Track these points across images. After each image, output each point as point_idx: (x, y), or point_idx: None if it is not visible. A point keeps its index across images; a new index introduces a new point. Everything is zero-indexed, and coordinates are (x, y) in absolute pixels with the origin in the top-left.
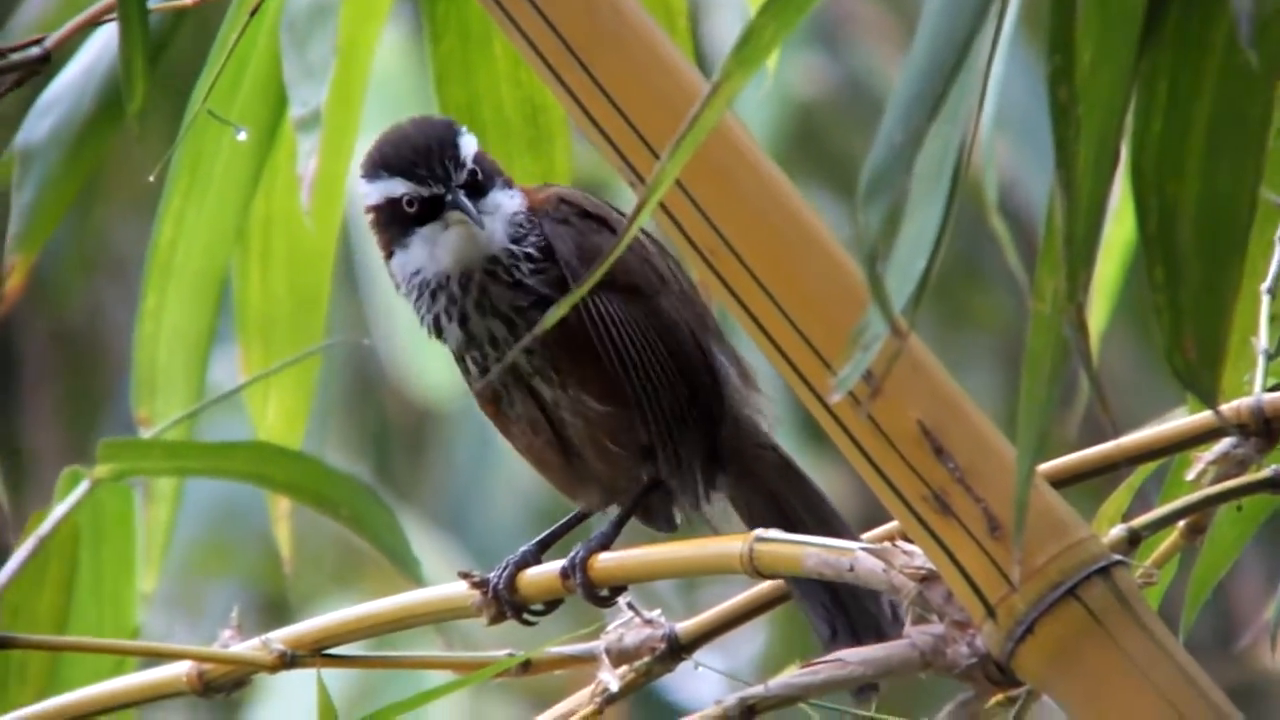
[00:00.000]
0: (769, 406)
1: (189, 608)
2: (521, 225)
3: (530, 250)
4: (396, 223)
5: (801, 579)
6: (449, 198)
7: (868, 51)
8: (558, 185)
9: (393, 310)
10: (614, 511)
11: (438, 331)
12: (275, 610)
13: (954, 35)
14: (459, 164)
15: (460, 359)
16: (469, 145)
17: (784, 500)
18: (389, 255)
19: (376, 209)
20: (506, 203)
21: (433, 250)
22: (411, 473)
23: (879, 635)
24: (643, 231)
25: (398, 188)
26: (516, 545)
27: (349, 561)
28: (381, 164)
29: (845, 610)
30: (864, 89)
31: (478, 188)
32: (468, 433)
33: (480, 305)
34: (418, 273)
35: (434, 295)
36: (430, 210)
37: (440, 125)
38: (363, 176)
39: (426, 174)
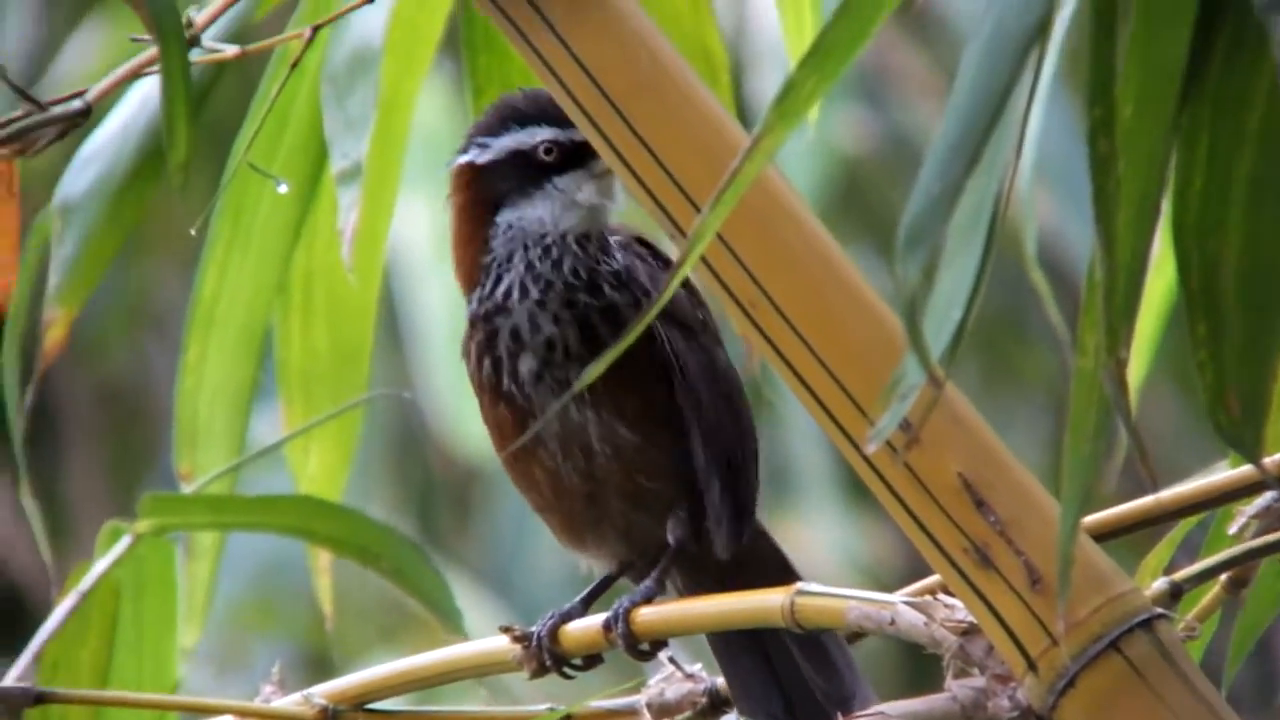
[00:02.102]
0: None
1: (231, 663)
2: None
3: (612, 263)
4: (518, 176)
5: (742, 661)
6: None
7: (911, 105)
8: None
9: (437, 367)
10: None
11: (498, 309)
12: (318, 666)
13: (992, 86)
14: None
15: (494, 361)
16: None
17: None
18: (493, 212)
19: (491, 165)
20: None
21: (567, 201)
22: (455, 529)
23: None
24: (687, 283)
25: (537, 134)
26: (558, 602)
27: (393, 618)
28: (513, 116)
29: (795, 688)
30: (906, 142)
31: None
32: (512, 490)
33: (569, 284)
34: (535, 227)
35: (542, 255)
36: (573, 159)
37: None
38: (479, 135)
39: (569, 122)
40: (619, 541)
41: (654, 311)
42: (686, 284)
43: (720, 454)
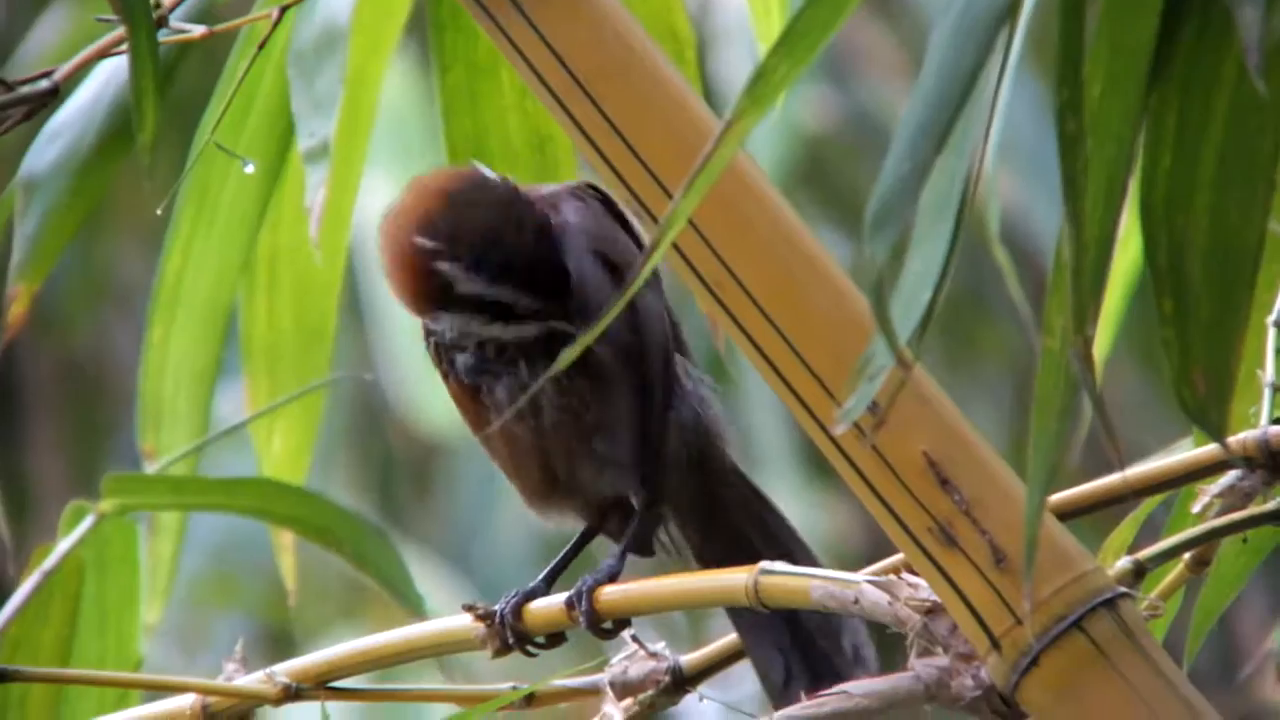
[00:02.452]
0: (731, 431)
1: (193, 641)
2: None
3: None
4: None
5: (757, 620)
6: None
7: (875, 84)
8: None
9: (398, 344)
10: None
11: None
12: (280, 643)
13: (961, 67)
14: None
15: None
16: None
17: (744, 532)
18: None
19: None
20: None
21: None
22: (417, 507)
23: (837, 678)
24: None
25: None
26: (522, 580)
27: (354, 595)
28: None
29: (804, 653)
30: (871, 121)
31: None
32: (473, 467)
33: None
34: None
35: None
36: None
37: None
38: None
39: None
40: (584, 507)
41: (631, 291)
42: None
43: (660, 418)
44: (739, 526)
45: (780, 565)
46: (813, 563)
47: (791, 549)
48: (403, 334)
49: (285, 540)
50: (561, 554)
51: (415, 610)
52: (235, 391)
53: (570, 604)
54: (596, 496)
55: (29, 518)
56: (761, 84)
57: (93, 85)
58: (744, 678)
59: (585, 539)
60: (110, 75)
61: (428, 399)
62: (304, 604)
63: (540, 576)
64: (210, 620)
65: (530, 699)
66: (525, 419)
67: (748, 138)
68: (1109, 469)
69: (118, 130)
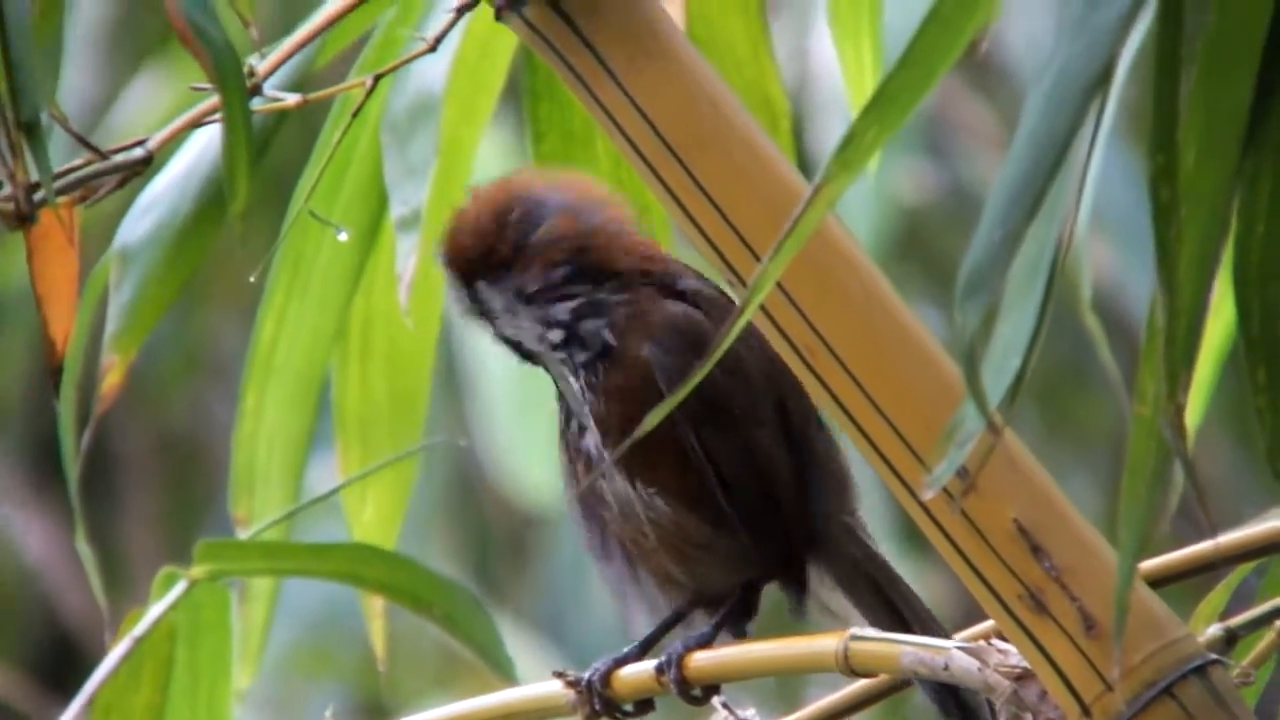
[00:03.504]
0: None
1: (286, 709)
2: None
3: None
4: None
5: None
6: None
7: (972, 156)
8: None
9: (494, 413)
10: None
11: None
12: (372, 712)
13: (1054, 134)
14: None
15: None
16: None
17: (879, 606)
18: None
19: None
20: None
21: None
22: (511, 577)
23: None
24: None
25: None
26: (614, 651)
27: (447, 664)
28: None
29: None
30: (967, 194)
31: None
32: (568, 537)
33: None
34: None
35: None
36: None
37: None
38: None
39: None
40: (681, 594)
41: (704, 373)
42: (725, 364)
43: (753, 535)
44: (874, 602)
45: (870, 631)
46: (940, 628)
47: (922, 615)
48: (498, 404)
49: (376, 607)
50: (661, 623)
51: (506, 675)
52: (328, 460)
53: (660, 669)
54: (693, 586)
55: (123, 588)
56: (852, 147)
57: (188, 154)
58: None
59: (684, 612)
60: (205, 144)
61: (524, 468)
62: (397, 673)
63: (635, 643)
64: (303, 689)
65: None
66: (628, 523)
67: (839, 202)
68: (1201, 536)
69: (213, 200)
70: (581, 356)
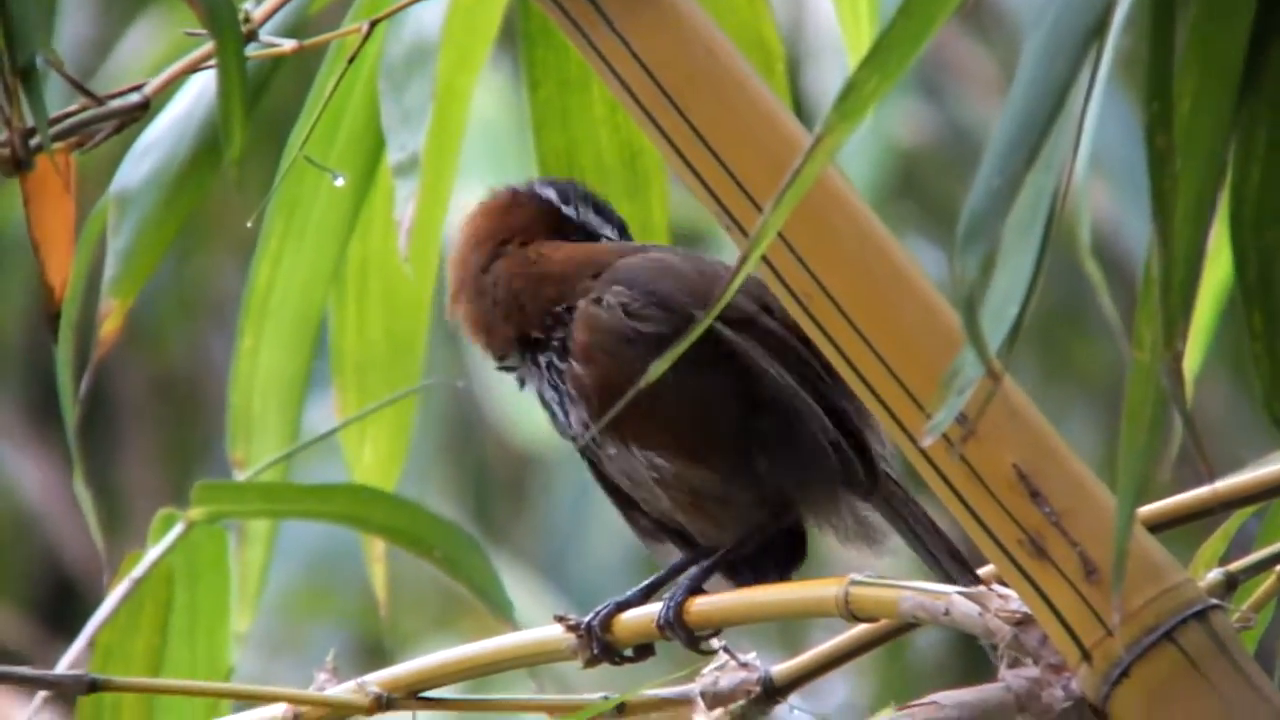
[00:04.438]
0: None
1: (285, 650)
2: None
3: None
4: None
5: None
6: None
7: (967, 99)
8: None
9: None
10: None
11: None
12: (372, 653)
13: (1051, 82)
14: None
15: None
16: None
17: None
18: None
19: None
20: None
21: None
22: (511, 517)
23: None
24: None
25: None
26: (615, 593)
27: (446, 606)
28: None
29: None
30: (962, 136)
31: None
32: (567, 478)
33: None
34: None
35: None
36: None
37: None
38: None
39: None
40: (700, 537)
41: (715, 312)
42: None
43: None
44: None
45: (871, 576)
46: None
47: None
48: None
49: (377, 549)
50: (668, 568)
51: (506, 618)
52: (325, 404)
53: (661, 625)
54: (706, 536)
55: (122, 530)
56: (852, 97)
57: (184, 100)
58: (835, 688)
59: (692, 560)
60: (201, 89)
61: (522, 410)
62: (396, 614)
63: (638, 587)
64: (302, 630)
65: (622, 708)
66: (634, 484)
67: (839, 151)
68: (1200, 482)
69: (209, 144)
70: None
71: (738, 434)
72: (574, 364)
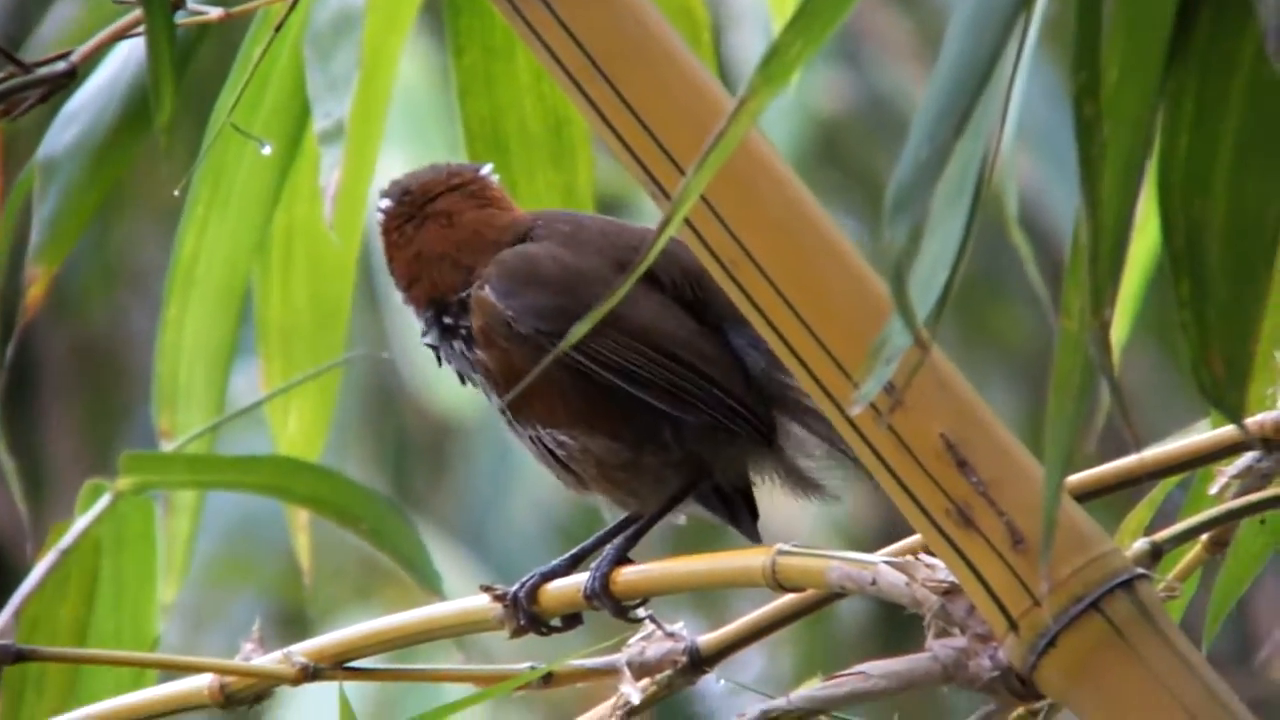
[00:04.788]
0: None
1: (210, 620)
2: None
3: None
4: None
5: None
6: None
7: (889, 67)
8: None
9: (412, 324)
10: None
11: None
12: (296, 623)
13: (979, 52)
14: None
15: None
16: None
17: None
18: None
19: None
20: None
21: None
22: (431, 487)
23: None
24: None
25: None
26: (536, 561)
27: (369, 575)
28: None
29: None
30: (884, 105)
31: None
32: (488, 447)
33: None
34: None
35: None
36: None
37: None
38: None
39: None
40: (623, 507)
41: (641, 268)
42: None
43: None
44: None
45: (797, 546)
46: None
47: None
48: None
49: (300, 519)
50: (594, 537)
51: (432, 589)
52: (251, 371)
53: (588, 595)
54: (633, 501)
55: (45, 500)
56: (775, 62)
57: (110, 67)
58: (752, 659)
59: (617, 528)
60: (127, 57)
61: (441, 379)
62: (319, 584)
63: (564, 556)
64: (226, 600)
65: (548, 679)
66: (548, 460)
67: (762, 116)
68: (1126, 452)
69: (135, 112)
70: (458, 344)
71: (636, 410)
72: (476, 350)
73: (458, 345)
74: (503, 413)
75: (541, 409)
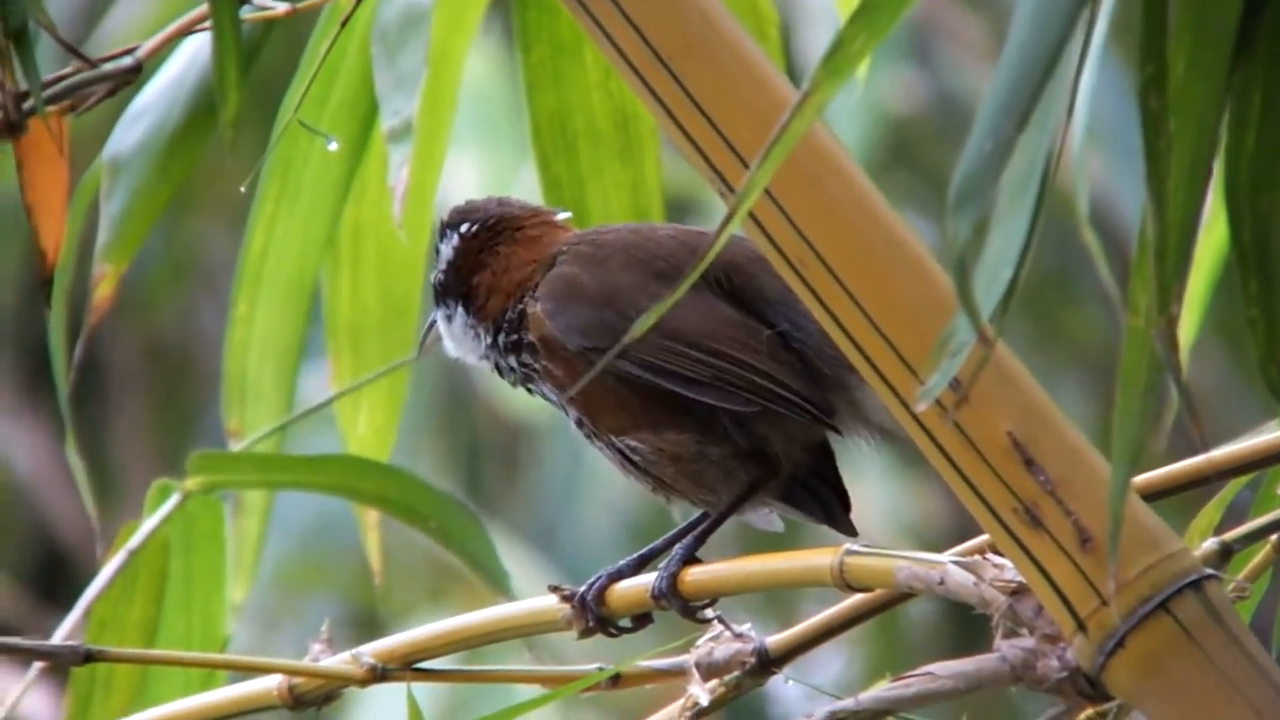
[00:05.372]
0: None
1: (280, 622)
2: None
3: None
4: None
5: None
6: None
7: (959, 66)
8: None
9: None
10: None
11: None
12: (366, 624)
13: (1044, 43)
14: (436, 263)
15: None
16: (446, 249)
17: None
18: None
19: None
20: (457, 322)
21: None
22: (503, 488)
23: None
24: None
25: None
26: (607, 562)
27: (439, 577)
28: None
29: None
30: (955, 104)
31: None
32: (560, 448)
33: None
34: None
35: None
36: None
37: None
38: None
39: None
40: (704, 506)
41: (701, 267)
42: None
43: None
44: None
45: (865, 546)
46: None
47: None
48: None
49: (371, 519)
50: (664, 537)
51: (501, 589)
52: (320, 370)
53: (655, 594)
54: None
55: (115, 500)
56: (840, 55)
57: (176, 64)
58: (828, 660)
59: (687, 528)
60: (194, 54)
61: None
62: (390, 586)
63: (631, 557)
64: (296, 601)
65: (616, 680)
66: (623, 464)
67: (827, 110)
68: (1195, 452)
69: (202, 109)
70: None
71: (692, 405)
72: (542, 359)
73: (525, 356)
74: (579, 425)
75: (609, 419)
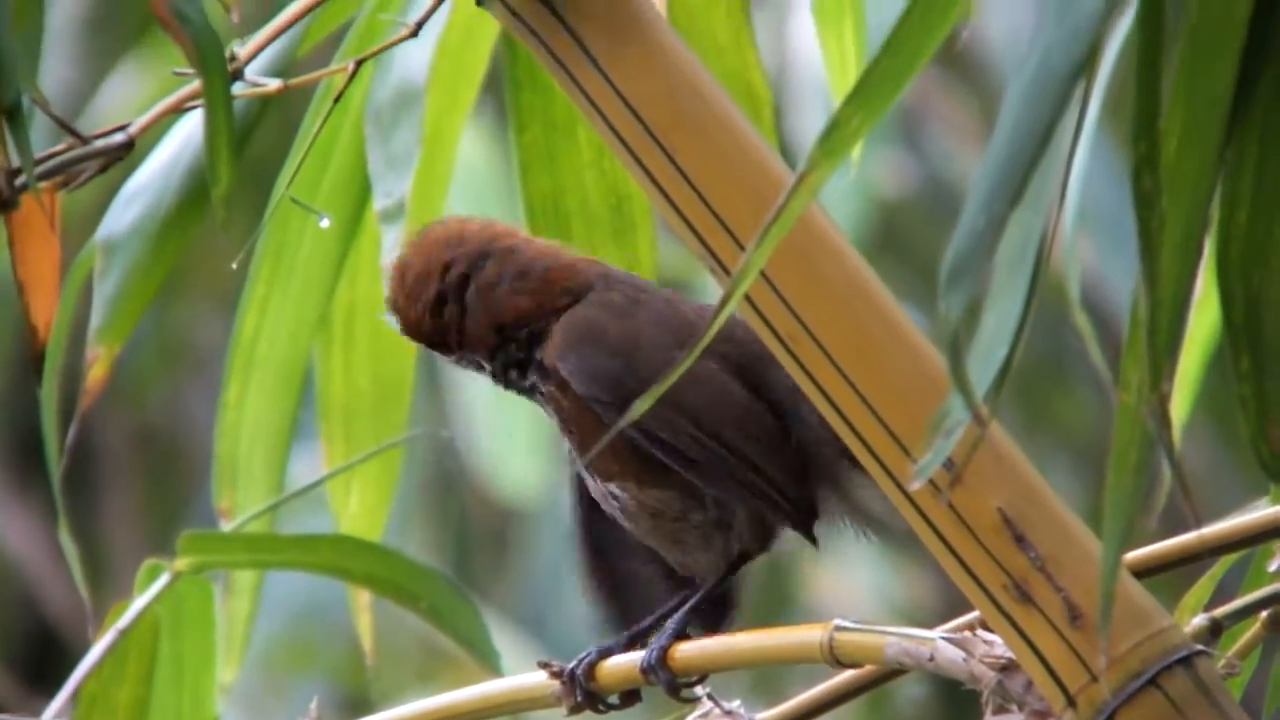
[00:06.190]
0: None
1: (270, 703)
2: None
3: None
4: None
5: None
6: None
7: (951, 150)
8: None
9: (475, 405)
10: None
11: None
12: (359, 707)
13: (1037, 121)
14: None
15: None
16: None
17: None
18: None
19: None
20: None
21: None
22: (493, 573)
23: None
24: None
25: None
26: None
27: (430, 659)
28: None
29: None
30: (946, 187)
31: None
32: (549, 531)
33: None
34: None
35: None
36: None
37: None
38: None
39: None
40: (681, 569)
41: (701, 346)
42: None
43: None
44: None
45: (854, 622)
46: None
47: None
48: (479, 397)
49: (362, 600)
50: (654, 616)
51: (493, 668)
52: (312, 452)
53: (645, 670)
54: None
55: (105, 583)
56: (835, 135)
57: (170, 146)
58: None
59: (674, 607)
60: (187, 136)
61: (504, 461)
62: (380, 668)
63: (622, 635)
64: (287, 683)
65: None
66: (623, 517)
67: (821, 191)
68: (1185, 529)
69: (196, 191)
70: (529, 381)
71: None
72: (550, 385)
73: (531, 377)
74: (569, 454)
75: (599, 462)
